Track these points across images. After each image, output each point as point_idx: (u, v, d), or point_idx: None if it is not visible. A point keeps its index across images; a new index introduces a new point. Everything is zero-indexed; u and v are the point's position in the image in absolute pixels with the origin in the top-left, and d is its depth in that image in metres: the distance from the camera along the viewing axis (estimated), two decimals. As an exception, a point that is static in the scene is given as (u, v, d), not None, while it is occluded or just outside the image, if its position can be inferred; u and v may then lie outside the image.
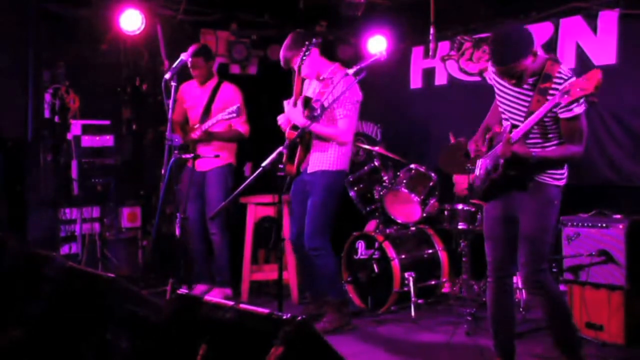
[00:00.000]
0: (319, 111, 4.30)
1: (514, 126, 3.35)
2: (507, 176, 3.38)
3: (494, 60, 3.29)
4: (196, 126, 5.35)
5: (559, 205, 3.47)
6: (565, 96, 3.04)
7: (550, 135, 3.37)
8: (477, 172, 3.63)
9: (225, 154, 5.44)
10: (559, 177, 3.44)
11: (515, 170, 3.36)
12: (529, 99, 3.32)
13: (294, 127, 4.62)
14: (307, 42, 4.52)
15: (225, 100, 5.40)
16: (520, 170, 3.36)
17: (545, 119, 3.27)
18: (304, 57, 4.49)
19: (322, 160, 4.62)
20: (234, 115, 4.86)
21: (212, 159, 5.23)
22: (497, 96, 3.57)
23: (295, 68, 4.62)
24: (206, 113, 5.43)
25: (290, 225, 5.01)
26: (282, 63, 4.68)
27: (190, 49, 5.23)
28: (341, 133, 4.54)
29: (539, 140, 3.38)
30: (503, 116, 3.53)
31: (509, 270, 3.58)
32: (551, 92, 3.22)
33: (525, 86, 3.35)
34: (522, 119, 3.34)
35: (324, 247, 4.63)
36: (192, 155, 4.80)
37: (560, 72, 3.25)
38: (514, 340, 3.66)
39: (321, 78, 4.68)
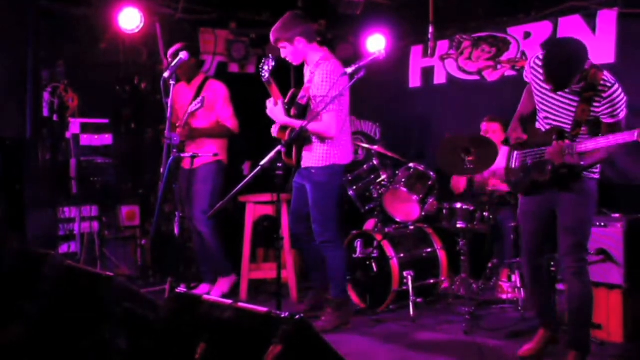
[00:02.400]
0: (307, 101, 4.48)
1: (560, 131, 3.53)
2: (554, 179, 3.59)
3: (551, 81, 3.38)
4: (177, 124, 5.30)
5: (597, 197, 3.68)
6: None
7: (586, 135, 3.56)
8: (512, 163, 3.84)
9: (212, 150, 5.33)
10: (594, 171, 3.66)
11: (563, 173, 3.57)
12: (574, 105, 3.50)
13: (283, 128, 4.63)
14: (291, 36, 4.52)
15: (210, 96, 5.33)
16: (568, 172, 3.57)
17: (586, 124, 3.50)
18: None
19: (310, 157, 4.61)
20: (199, 105, 4.88)
21: (194, 157, 5.14)
22: (535, 96, 3.72)
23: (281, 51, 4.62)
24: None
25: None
26: (272, 41, 4.66)
27: (171, 50, 5.23)
28: (326, 128, 4.48)
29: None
30: (540, 114, 3.71)
31: (541, 257, 3.89)
32: (596, 100, 3.45)
33: (570, 91, 3.49)
34: (566, 122, 3.55)
35: (331, 239, 4.65)
36: (191, 154, 4.79)
37: (604, 80, 3.42)
38: (553, 311, 3.98)
39: (310, 71, 4.67)
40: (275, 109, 4.58)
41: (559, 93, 3.53)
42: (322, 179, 4.58)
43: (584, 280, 3.66)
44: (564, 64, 3.32)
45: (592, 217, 3.76)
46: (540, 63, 3.54)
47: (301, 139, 4.59)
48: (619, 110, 3.42)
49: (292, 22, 4.54)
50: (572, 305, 3.69)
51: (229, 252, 5.65)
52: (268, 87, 4.56)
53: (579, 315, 3.68)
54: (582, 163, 3.51)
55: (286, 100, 4.67)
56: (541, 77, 3.53)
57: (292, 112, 4.61)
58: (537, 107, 3.73)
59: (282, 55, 4.64)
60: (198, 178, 5.42)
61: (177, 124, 5.21)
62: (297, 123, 4.49)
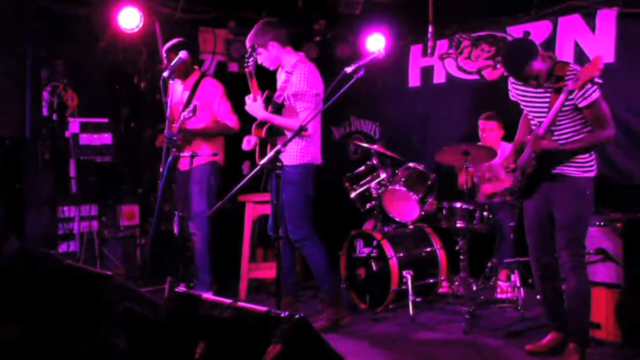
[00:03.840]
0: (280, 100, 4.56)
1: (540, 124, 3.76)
2: (541, 169, 3.77)
3: (510, 73, 3.82)
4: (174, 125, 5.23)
5: (592, 195, 3.80)
6: (577, 82, 3.45)
7: (577, 128, 3.71)
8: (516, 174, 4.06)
9: (206, 151, 5.27)
10: (588, 169, 3.78)
11: (548, 162, 3.75)
12: (549, 99, 3.71)
13: (260, 125, 4.64)
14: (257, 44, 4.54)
15: (205, 95, 5.26)
16: (553, 161, 3.75)
17: (567, 110, 3.64)
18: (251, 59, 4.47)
19: (285, 156, 4.60)
20: (191, 114, 4.82)
21: (193, 157, 5.07)
22: (523, 108, 3.98)
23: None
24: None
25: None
26: (248, 49, 4.67)
27: (165, 46, 5.21)
28: (300, 124, 4.47)
29: (570, 135, 3.72)
30: (532, 122, 3.94)
31: (547, 258, 3.99)
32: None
33: (546, 90, 3.73)
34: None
35: (305, 237, 4.65)
36: (191, 153, 4.78)
37: (570, 70, 3.64)
38: (563, 314, 3.97)
39: (285, 71, 4.68)
40: (254, 104, 4.61)
41: (539, 94, 3.76)
42: (295, 177, 4.60)
43: (582, 274, 3.79)
44: (512, 55, 3.72)
45: (588, 214, 3.86)
46: (512, 79, 3.95)
47: (275, 137, 4.61)
48: (590, 92, 3.58)
49: (264, 29, 4.63)
50: (571, 299, 3.83)
51: (215, 267, 5.38)
52: (249, 80, 4.56)
53: (578, 308, 3.80)
54: (563, 147, 3.67)
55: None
56: (519, 86, 3.86)
57: (268, 109, 4.64)
58: (529, 117, 3.96)
59: (259, 62, 4.68)
60: (193, 179, 5.32)
61: (178, 126, 5.20)
62: (277, 119, 4.56)
